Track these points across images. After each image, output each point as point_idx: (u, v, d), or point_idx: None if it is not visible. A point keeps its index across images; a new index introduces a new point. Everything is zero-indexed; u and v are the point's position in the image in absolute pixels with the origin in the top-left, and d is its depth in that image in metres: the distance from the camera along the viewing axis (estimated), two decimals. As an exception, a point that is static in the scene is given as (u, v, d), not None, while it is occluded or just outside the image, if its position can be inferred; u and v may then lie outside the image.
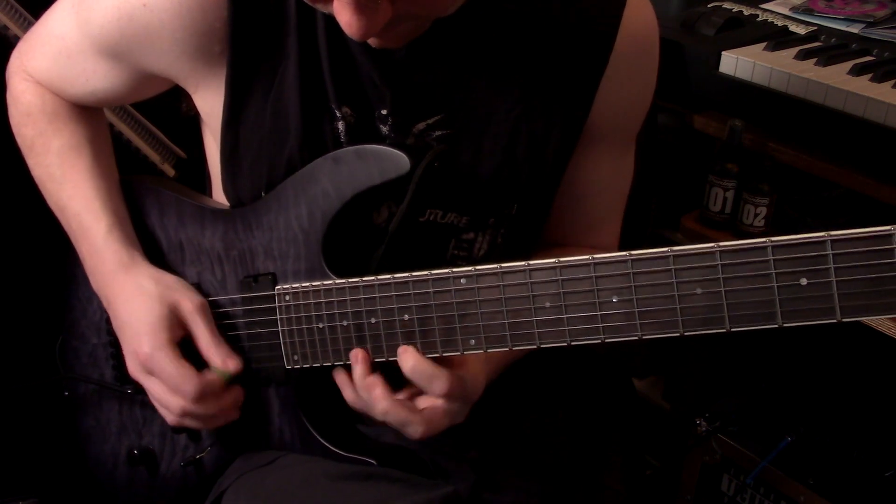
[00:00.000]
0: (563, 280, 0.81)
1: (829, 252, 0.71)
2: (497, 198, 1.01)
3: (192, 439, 1.11)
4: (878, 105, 1.30)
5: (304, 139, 0.96)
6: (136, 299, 1.01)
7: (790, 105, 1.39)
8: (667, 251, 0.77)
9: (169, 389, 0.99)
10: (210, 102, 1.00)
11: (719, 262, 0.75)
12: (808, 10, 1.61)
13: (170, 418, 1.02)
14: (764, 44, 1.49)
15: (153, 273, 1.03)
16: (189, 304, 1.00)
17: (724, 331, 0.76)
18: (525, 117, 0.98)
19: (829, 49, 1.47)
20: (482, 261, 1.03)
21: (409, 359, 0.89)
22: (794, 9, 1.63)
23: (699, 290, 0.76)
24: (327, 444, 1.02)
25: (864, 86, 1.34)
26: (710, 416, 1.61)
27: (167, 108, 1.47)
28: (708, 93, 1.50)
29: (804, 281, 0.72)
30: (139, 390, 1.10)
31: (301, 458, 1.04)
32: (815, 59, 1.42)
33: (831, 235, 0.71)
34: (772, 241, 0.73)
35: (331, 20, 0.93)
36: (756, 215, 1.46)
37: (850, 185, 1.37)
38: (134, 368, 1.02)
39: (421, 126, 0.97)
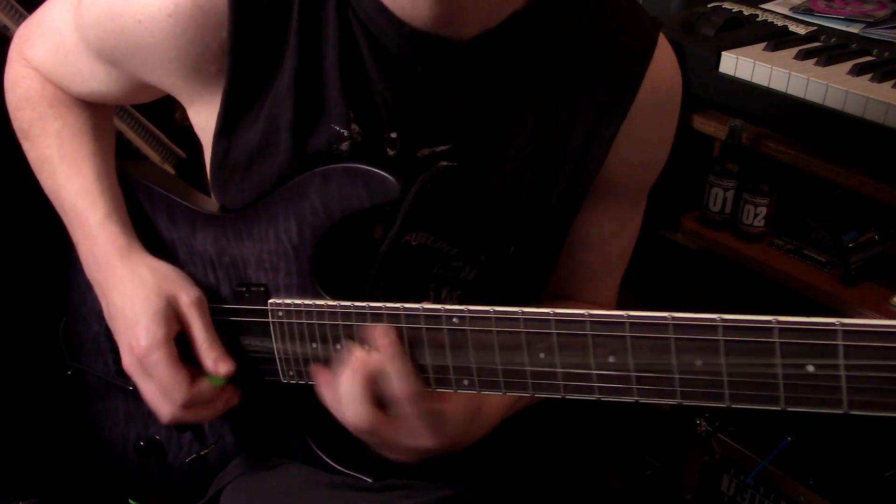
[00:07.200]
0: (557, 333, 0.77)
1: (840, 343, 0.66)
2: (491, 236, 0.98)
3: (197, 437, 1.09)
4: (878, 105, 1.30)
5: (294, 154, 0.92)
6: (131, 288, 0.97)
7: (790, 105, 1.38)
8: (666, 317, 0.72)
9: (160, 393, 0.96)
10: (203, 117, 0.96)
11: (721, 338, 0.70)
12: (808, 10, 1.61)
13: (161, 420, 0.99)
14: (764, 44, 1.48)
15: (150, 262, 0.99)
16: (186, 297, 0.96)
17: (724, 406, 0.72)
18: (533, 161, 0.94)
19: (829, 49, 1.47)
20: (467, 286, 1.00)
21: (385, 335, 0.83)
22: (794, 9, 1.62)
23: (699, 362, 0.72)
24: (325, 458, 1.00)
25: (864, 86, 1.34)
26: (710, 416, 1.61)
27: (167, 109, 1.47)
28: (708, 93, 1.49)
29: (811, 368, 0.68)
30: None
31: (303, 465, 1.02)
32: (815, 59, 1.42)
33: (843, 325, 0.66)
34: (779, 322, 0.68)
35: (345, 37, 0.88)
36: (756, 215, 1.46)
37: (850, 185, 1.37)
38: (129, 363, 0.97)
39: (426, 152, 0.93)
